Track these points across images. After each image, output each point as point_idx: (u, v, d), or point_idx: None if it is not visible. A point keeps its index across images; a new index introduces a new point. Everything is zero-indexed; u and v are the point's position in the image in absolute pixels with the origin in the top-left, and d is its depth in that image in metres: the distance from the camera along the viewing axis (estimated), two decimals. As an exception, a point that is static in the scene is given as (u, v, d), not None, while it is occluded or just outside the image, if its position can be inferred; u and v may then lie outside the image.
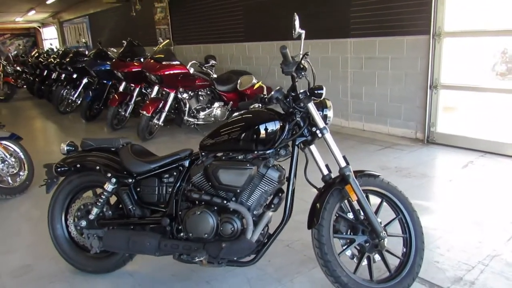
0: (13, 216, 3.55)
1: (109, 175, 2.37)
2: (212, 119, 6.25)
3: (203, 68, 6.07)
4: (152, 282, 2.47)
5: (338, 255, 2.16)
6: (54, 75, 9.27)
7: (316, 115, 2.19)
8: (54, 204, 2.56)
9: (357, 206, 2.21)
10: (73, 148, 2.55)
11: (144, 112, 5.55)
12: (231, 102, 6.39)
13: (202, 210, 2.21)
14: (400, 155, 4.66)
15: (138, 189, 2.41)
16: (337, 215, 2.24)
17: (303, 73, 2.19)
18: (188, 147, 2.47)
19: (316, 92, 2.16)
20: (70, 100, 8.29)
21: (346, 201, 2.23)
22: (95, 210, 2.42)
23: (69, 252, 2.55)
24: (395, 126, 5.48)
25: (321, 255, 2.12)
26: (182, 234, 2.28)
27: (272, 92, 2.25)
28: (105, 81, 7.43)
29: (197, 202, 2.29)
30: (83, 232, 2.48)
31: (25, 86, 11.56)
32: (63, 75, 8.72)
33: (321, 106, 2.28)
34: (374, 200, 2.30)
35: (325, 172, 2.25)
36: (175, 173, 2.38)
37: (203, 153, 2.34)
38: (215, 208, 2.24)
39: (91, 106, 7.46)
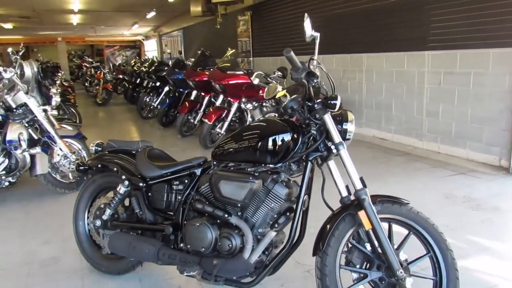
0: (64, 209, 3.77)
1: (124, 177, 2.38)
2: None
3: (269, 79, 5.99)
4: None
5: (344, 291, 1.87)
6: (145, 83, 9.97)
7: (333, 128, 1.95)
8: (79, 201, 2.64)
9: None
10: (101, 149, 2.61)
11: (206, 120, 5.63)
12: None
13: (202, 222, 2.09)
14: (474, 184, 4.06)
15: (150, 194, 2.37)
16: (351, 244, 1.96)
17: (315, 80, 1.97)
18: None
19: (329, 102, 1.93)
20: (152, 107, 8.80)
21: (363, 229, 1.94)
22: (108, 211, 2.44)
23: (88, 250, 2.61)
24: (475, 150, 4.82)
25: (322, 288, 1.86)
26: (182, 245, 2.18)
27: (286, 101, 2.06)
28: (181, 90, 7.75)
29: (202, 213, 2.17)
30: (99, 232, 2.52)
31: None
32: (150, 83, 9.33)
33: (342, 119, 2.04)
34: (402, 231, 1.97)
35: (344, 193, 1.98)
36: (186, 181, 2.30)
37: (214, 162, 2.23)
38: (218, 221, 2.11)
39: (167, 113, 7.83)
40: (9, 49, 3.97)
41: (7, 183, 3.90)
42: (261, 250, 2.01)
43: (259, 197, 2.04)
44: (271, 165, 2.05)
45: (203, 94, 6.80)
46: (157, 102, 8.58)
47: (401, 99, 5.78)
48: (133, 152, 2.52)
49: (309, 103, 2.02)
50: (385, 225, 1.95)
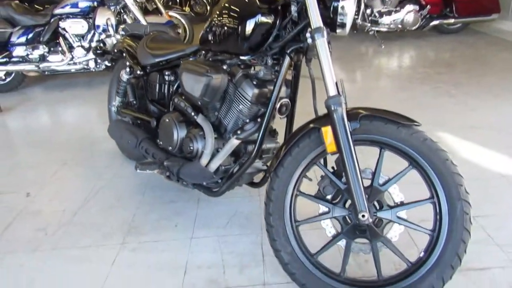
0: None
1: (127, 63, 2.25)
2: (399, 26, 5.14)
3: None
4: (158, 182, 2.36)
5: (294, 222, 1.47)
6: None
7: (313, 8, 1.38)
8: (111, 85, 2.67)
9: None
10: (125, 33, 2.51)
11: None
12: (428, 6, 5.04)
13: (170, 118, 1.86)
14: None
15: (148, 83, 2.21)
16: (322, 168, 1.50)
17: None
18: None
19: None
20: None
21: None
22: (117, 98, 2.40)
23: (116, 133, 2.69)
24: None
25: (265, 215, 1.49)
26: (158, 140, 2.02)
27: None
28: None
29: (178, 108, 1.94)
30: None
31: None
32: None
33: (334, -3, 1.44)
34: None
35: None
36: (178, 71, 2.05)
37: (203, 52, 1.90)
38: (190, 119, 1.85)
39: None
40: None
41: (104, 66, 4.25)
42: (221, 158, 1.71)
43: (230, 96, 1.69)
44: (244, 57, 1.63)
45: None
46: None
47: None
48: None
49: (293, -27, 1.46)
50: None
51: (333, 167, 1.50)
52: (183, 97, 1.88)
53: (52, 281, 1.66)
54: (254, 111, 1.66)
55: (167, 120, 1.87)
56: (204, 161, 1.72)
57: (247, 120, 1.68)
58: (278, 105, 1.62)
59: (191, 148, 1.77)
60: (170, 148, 1.87)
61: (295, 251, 1.44)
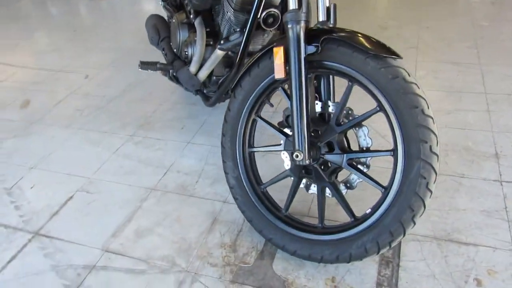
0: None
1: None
2: None
3: None
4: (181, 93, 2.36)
5: (247, 147, 1.37)
6: None
7: None
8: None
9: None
10: None
11: None
12: None
13: (176, 19, 1.79)
14: None
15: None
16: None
17: None
18: None
19: None
20: None
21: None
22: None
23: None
24: None
25: (221, 135, 1.42)
26: (172, 40, 1.97)
27: None
28: None
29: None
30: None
31: None
32: None
33: None
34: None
35: (322, 17, 1.25)
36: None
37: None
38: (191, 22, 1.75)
39: None
40: None
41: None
42: (208, 68, 1.64)
43: (223, 4, 1.54)
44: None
45: None
46: None
47: None
48: None
49: None
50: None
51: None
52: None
53: (65, 155, 1.91)
54: (241, 20, 1.49)
55: (174, 21, 1.81)
56: (192, 68, 1.66)
57: (237, 29, 1.53)
58: (263, 15, 1.43)
59: (187, 53, 1.71)
60: (175, 50, 1.84)
61: (241, 177, 1.37)
